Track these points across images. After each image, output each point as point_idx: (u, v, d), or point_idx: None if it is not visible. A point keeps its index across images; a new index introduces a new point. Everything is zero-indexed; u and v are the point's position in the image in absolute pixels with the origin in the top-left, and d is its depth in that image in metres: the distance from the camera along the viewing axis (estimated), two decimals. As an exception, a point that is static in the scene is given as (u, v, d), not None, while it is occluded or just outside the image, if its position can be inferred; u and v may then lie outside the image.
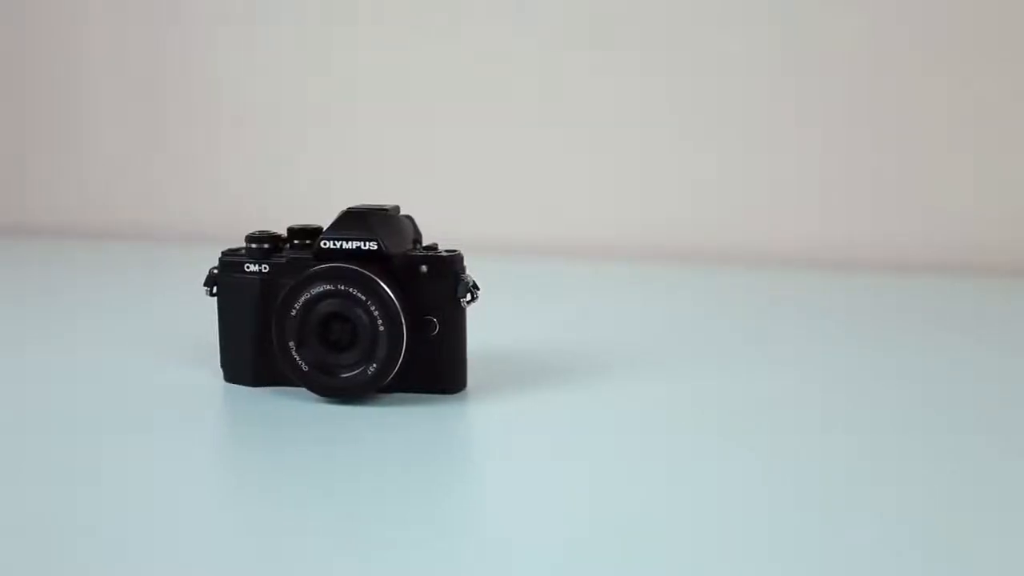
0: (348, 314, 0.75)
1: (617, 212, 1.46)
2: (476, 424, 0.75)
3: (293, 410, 0.76)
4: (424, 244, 0.80)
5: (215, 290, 0.81)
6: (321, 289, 0.75)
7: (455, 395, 0.79)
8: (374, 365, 0.75)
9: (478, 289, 0.77)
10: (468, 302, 0.77)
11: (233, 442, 0.75)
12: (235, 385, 0.82)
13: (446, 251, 0.77)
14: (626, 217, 1.46)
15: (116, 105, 1.69)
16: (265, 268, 0.79)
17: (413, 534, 0.56)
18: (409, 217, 0.80)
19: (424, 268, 0.76)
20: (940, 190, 1.37)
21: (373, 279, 0.74)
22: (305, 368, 0.76)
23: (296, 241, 0.79)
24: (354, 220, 0.76)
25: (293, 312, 0.75)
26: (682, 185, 1.45)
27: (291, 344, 0.76)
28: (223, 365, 0.82)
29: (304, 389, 0.77)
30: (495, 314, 0.86)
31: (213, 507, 0.62)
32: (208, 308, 0.83)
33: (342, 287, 0.74)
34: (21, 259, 1.50)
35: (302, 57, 1.60)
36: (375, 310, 0.74)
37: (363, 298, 0.74)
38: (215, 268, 0.81)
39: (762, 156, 1.42)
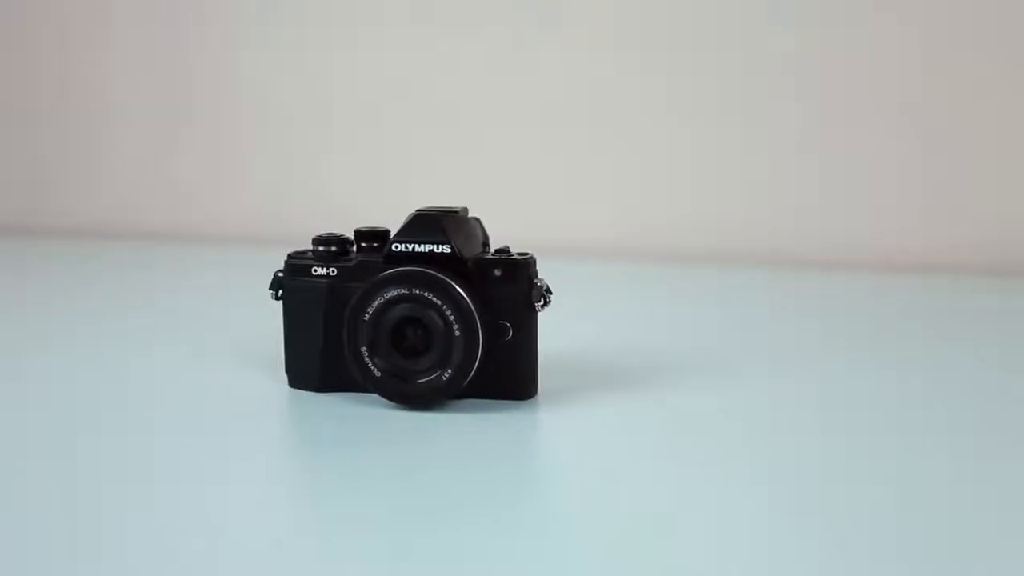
0: (422, 318, 0.71)
1: (664, 213, 1.44)
2: (552, 431, 0.72)
3: (360, 416, 0.73)
4: (497, 247, 0.75)
5: (280, 293, 0.76)
6: (395, 293, 0.71)
7: (526, 402, 0.74)
8: (449, 371, 0.71)
9: (551, 293, 0.74)
10: (542, 307, 0.73)
11: (300, 447, 0.72)
12: (300, 390, 0.77)
13: (519, 254, 0.74)
14: (674, 217, 1.43)
15: (139, 105, 1.64)
16: (333, 271, 0.75)
17: (485, 542, 0.53)
18: (477, 219, 0.76)
19: (498, 272, 0.73)
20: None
21: (449, 283, 0.70)
22: (378, 374, 0.72)
23: (364, 244, 0.76)
24: (427, 222, 0.73)
25: (366, 316, 0.72)
26: (732, 186, 1.42)
27: (363, 349, 0.72)
28: (287, 370, 0.78)
29: (372, 395, 0.74)
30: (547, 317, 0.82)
31: (279, 514, 0.59)
32: (264, 310, 0.81)
33: (417, 291, 0.71)
34: (57, 259, 1.46)
35: (323, 57, 1.56)
36: (450, 314, 0.70)
37: (438, 302, 0.70)
38: (280, 271, 0.77)
39: (812, 155, 1.39)
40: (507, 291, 0.73)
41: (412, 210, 0.75)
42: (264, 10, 1.58)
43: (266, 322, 0.92)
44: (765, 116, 1.40)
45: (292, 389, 0.79)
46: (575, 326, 0.92)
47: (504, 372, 0.74)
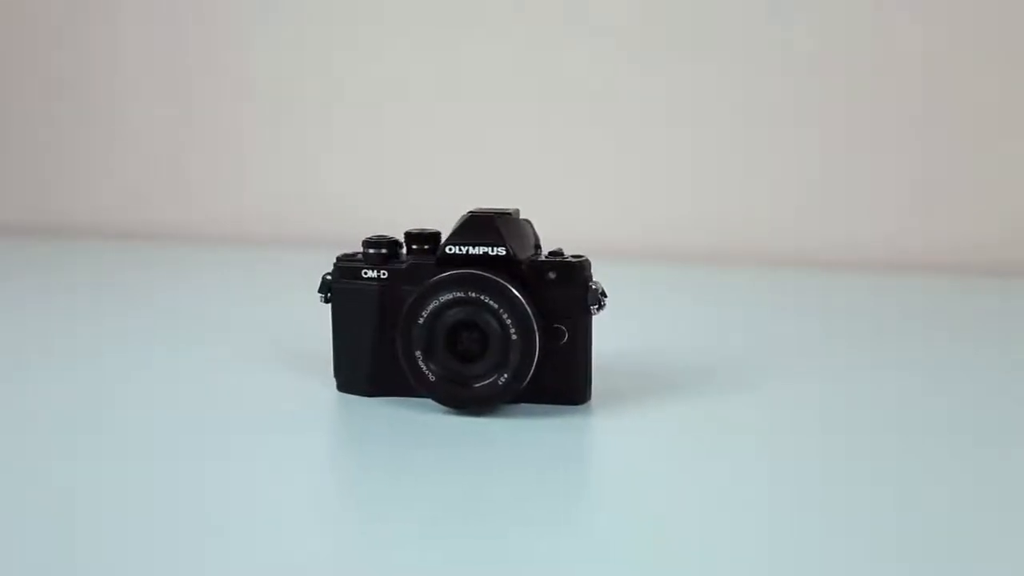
0: (478, 322, 0.69)
1: (668, 212, 1.43)
2: (606, 436, 0.70)
3: (412, 421, 0.71)
4: (550, 249, 0.74)
5: (329, 296, 0.74)
6: (450, 296, 0.69)
7: (580, 406, 0.73)
8: (505, 375, 0.69)
9: (606, 296, 0.72)
10: (598, 310, 0.71)
11: (352, 452, 0.70)
12: (349, 395, 0.75)
13: (573, 257, 0.72)
14: (679, 217, 1.42)
15: (148, 104, 1.62)
16: (384, 274, 0.73)
17: (538, 549, 0.52)
18: (528, 221, 0.75)
19: (552, 274, 0.71)
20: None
21: (505, 286, 0.69)
22: (432, 378, 0.70)
23: (415, 246, 0.73)
24: (480, 224, 0.71)
25: (420, 320, 0.70)
26: (731, 186, 1.41)
27: (417, 353, 0.70)
28: (336, 374, 0.76)
29: (424, 399, 0.72)
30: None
31: (329, 520, 0.57)
32: (299, 312, 0.81)
33: (473, 294, 0.69)
34: (73, 259, 1.44)
35: (330, 58, 1.54)
36: (507, 318, 0.69)
37: (495, 305, 0.69)
38: (328, 274, 0.74)
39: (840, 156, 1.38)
40: (562, 294, 0.71)
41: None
42: (270, 10, 1.56)
43: (305, 324, 0.90)
44: (767, 117, 1.39)
45: (341, 394, 0.76)
46: (610, 328, 0.89)
47: (558, 377, 0.72)
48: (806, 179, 1.40)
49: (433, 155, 1.50)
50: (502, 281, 0.69)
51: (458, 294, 0.70)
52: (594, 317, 0.72)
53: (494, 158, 1.48)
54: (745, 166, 1.41)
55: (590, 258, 0.73)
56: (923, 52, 1.34)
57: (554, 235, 0.79)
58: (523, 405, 0.73)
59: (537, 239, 0.75)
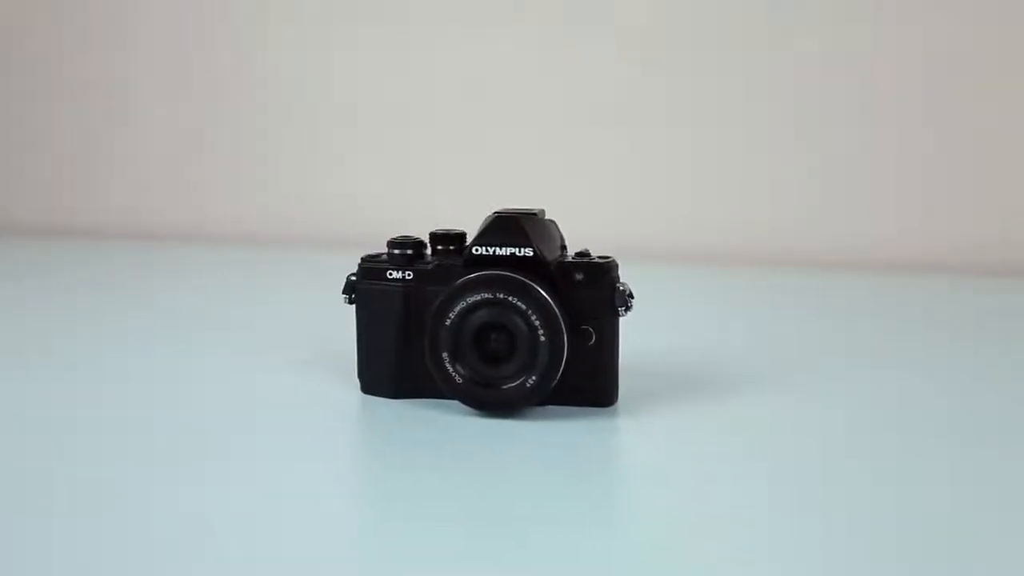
0: (507, 323, 0.69)
1: (678, 213, 1.43)
2: (634, 438, 0.69)
3: (437, 422, 0.70)
4: (576, 250, 0.73)
5: (353, 297, 0.73)
6: (478, 297, 0.69)
7: (607, 409, 0.72)
8: (533, 377, 0.69)
9: (632, 298, 0.71)
10: (625, 311, 0.70)
11: (376, 454, 0.68)
12: (373, 396, 0.74)
13: (600, 257, 0.71)
14: (692, 218, 1.42)
15: (163, 106, 1.60)
16: (409, 275, 0.72)
17: (567, 550, 0.51)
18: (553, 221, 0.74)
19: (580, 276, 0.70)
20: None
21: (534, 287, 0.68)
22: (459, 380, 0.70)
23: (440, 247, 0.72)
24: (507, 225, 0.70)
25: (447, 321, 0.69)
26: (732, 187, 1.41)
27: (444, 355, 0.69)
28: (360, 375, 0.75)
29: (450, 401, 0.72)
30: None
31: (355, 522, 0.57)
32: (325, 314, 0.80)
33: (501, 295, 0.68)
34: (89, 259, 1.43)
35: (344, 58, 1.53)
36: (536, 319, 0.68)
37: (523, 307, 0.68)
38: (353, 275, 0.74)
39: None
40: (589, 295, 0.71)
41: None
42: (283, 10, 1.54)
43: (326, 325, 0.89)
44: (765, 118, 1.38)
45: (365, 395, 0.75)
46: (632, 328, 0.89)
47: (585, 378, 0.71)
48: (826, 180, 1.40)
49: (445, 155, 1.50)
50: (530, 282, 0.68)
51: (486, 295, 0.69)
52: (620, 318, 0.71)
53: (507, 158, 1.47)
54: (744, 167, 1.41)
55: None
56: (924, 53, 1.34)
57: (568, 235, 0.78)
58: (549, 407, 0.72)
59: (563, 239, 0.74)
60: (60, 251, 1.50)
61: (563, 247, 0.74)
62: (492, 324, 0.69)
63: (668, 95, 1.42)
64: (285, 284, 1.24)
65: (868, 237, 1.37)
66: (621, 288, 0.71)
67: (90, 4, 1.64)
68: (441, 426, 0.69)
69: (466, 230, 0.74)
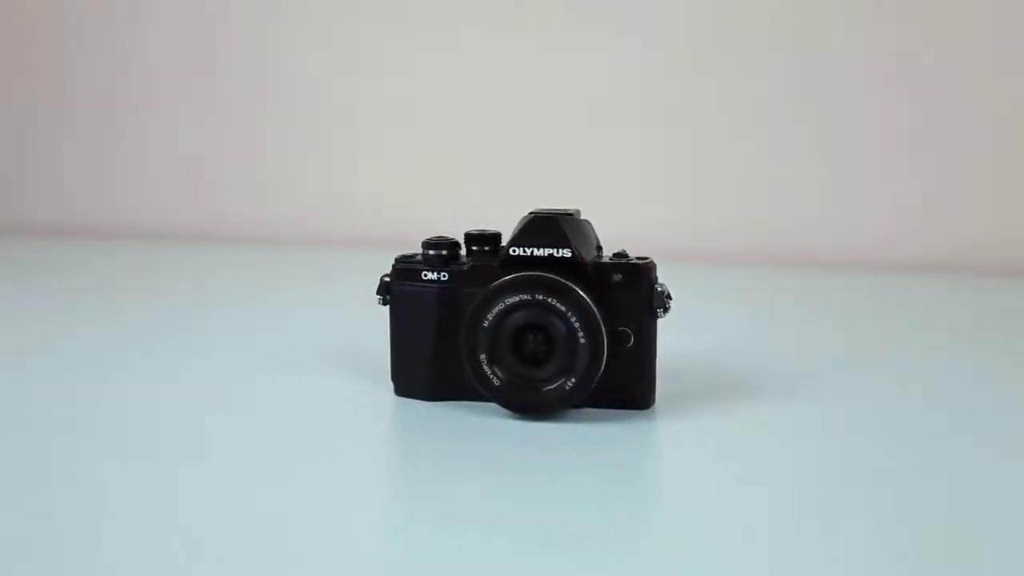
0: (545, 325, 0.67)
1: (757, 216, 1.40)
2: (673, 441, 0.68)
3: (473, 424, 0.69)
4: (614, 251, 0.72)
5: (387, 298, 0.72)
6: (516, 299, 0.67)
7: (644, 411, 0.70)
8: (572, 379, 0.67)
9: (670, 299, 0.69)
10: (664, 313, 0.69)
11: (412, 458, 0.66)
12: (408, 399, 0.73)
13: (638, 258, 0.70)
14: (766, 221, 1.40)
15: (180, 105, 1.59)
16: (444, 276, 0.71)
17: (606, 554, 0.50)
18: (588, 221, 0.72)
19: (618, 276, 0.69)
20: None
21: (573, 288, 0.67)
22: (497, 382, 0.68)
23: (475, 247, 0.71)
24: (545, 226, 0.69)
25: (485, 323, 0.68)
26: (732, 188, 1.40)
27: (482, 357, 0.68)
28: (394, 378, 0.73)
29: (485, 403, 0.71)
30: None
31: (387, 529, 0.55)
32: (353, 315, 0.80)
33: (540, 296, 0.67)
34: (112, 260, 1.42)
35: (359, 58, 1.52)
36: (575, 321, 0.67)
37: (562, 308, 0.67)
38: (387, 276, 0.72)
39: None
40: (627, 296, 0.70)
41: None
42: (297, 10, 1.53)
43: (355, 326, 0.88)
44: (769, 119, 1.38)
45: (399, 397, 0.74)
46: (664, 329, 0.88)
47: (622, 380, 0.70)
48: (812, 181, 1.39)
49: (464, 156, 1.49)
50: (569, 283, 0.67)
51: (524, 297, 0.67)
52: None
53: (531, 158, 1.46)
54: (744, 167, 1.40)
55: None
56: (924, 53, 1.33)
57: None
58: (585, 409, 0.71)
59: (598, 240, 0.73)
60: (81, 251, 1.49)
61: (599, 247, 0.73)
62: (530, 326, 0.68)
63: (689, 94, 1.41)
64: (310, 284, 1.23)
65: (870, 237, 1.35)
66: (659, 289, 0.70)
67: (103, 4, 1.60)
68: (477, 428, 0.68)
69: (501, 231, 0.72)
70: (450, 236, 0.73)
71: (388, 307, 0.73)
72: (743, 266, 1.32)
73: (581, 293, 0.67)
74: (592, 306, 0.67)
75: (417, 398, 0.73)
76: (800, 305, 1.12)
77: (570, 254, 0.69)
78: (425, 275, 0.72)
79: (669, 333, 0.75)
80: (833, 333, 0.97)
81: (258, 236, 1.54)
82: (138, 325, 1.00)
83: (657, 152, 1.42)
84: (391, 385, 0.75)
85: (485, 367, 0.68)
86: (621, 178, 1.43)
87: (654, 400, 0.72)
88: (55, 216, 1.67)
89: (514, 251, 0.69)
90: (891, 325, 1.02)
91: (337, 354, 0.86)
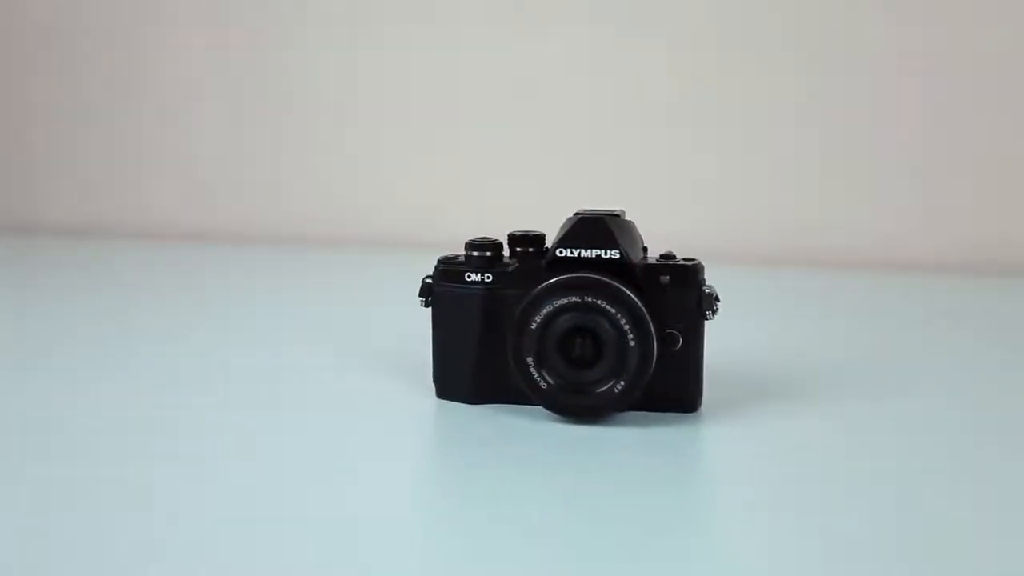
0: (594, 327, 0.65)
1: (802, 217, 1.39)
2: (721, 444, 0.66)
3: (517, 428, 0.67)
4: (660, 252, 0.70)
5: (429, 300, 0.70)
6: (565, 301, 0.66)
7: (691, 414, 0.69)
8: (622, 382, 0.66)
9: (719, 301, 0.68)
10: (712, 315, 0.67)
11: (455, 461, 0.65)
12: (449, 402, 0.71)
13: (685, 260, 0.68)
14: (817, 223, 1.39)
15: (211, 107, 1.57)
16: (488, 278, 0.69)
17: (658, 565, 0.48)
18: (632, 222, 0.71)
19: (665, 278, 0.67)
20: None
21: (623, 290, 0.65)
22: (544, 385, 0.66)
23: (519, 248, 0.69)
24: (593, 227, 0.68)
25: (533, 325, 0.66)
26: (732, 188, 1.38)
27: (529, 359, 0.66)
28: (436, 380, 0.72)
29: (529, 406, 0.69)
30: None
31: (432, 538, 0.53)
32: (390, 316, 0.79)
33: (589, 298, 0.65)
34: (145, 259, 1.40)
35: (378, 58, 1.51)
36: (625, 323, 0.65)
37: (612, 310, 0.65)
38: (429, 277, 0.70)
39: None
40: (675, 298, 0.68)
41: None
42: (341, 8, 1.50)
43: (392, 328, 0.88)
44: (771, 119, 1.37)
45: (441, 400, 0.72)
46: (724, 334, 0.87)
47: (669, 383, 0.68)
48: (809, 179, 1.39)
49: (495, 158, 1.48)
50: (619, 285, 0.65)
51: (573, 299, 0.66)
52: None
53: (565, 159, 1.46)
54: (742, 167, 1.39)
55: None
56: (923, 52, 1.33)
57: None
58: (630, 412, 0.69)
59: (643, 241, 0.71)
60: (101, 251, 1.47)
61: (644, 248, 0.71)
62: (579, 328, 0.66)
63: (720, 97, 1.39)
64: (344, 286, 1.21)
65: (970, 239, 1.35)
66: (707, 291, 0.68)
67: (127, 6, 1.58)
68: (521, 431, 0.67)
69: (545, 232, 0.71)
70: (493, 237, 0.71)
71: (430, 309, 0.71)
72: (743, 265, 1.30)
73: (631, 295, 0.65)
74: (643, 308, 0.65)
75: (459, 401, 0.72)
76: (821, 305, 1.11)
77: (618, 255, 0.67)
78: (469, 276, 0.70)
79: (722, 334, 0.74)
80: (861, 334, 0.96)
81: (283, 236, 1.52)
82: (175, 324, 0.99)
83: (682, 152, 1.40)
84: (432, 388, 0.73)
85: (532, 370, 0.67)
86: (649, 178, 1.41)
87: (701, 403, 0.70)
88: (71, 216, 1.65)
89: (561, 252, 0.68)
90: (920, 326, 1.01)
91: (376, 356, 0.84)
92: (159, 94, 1.61)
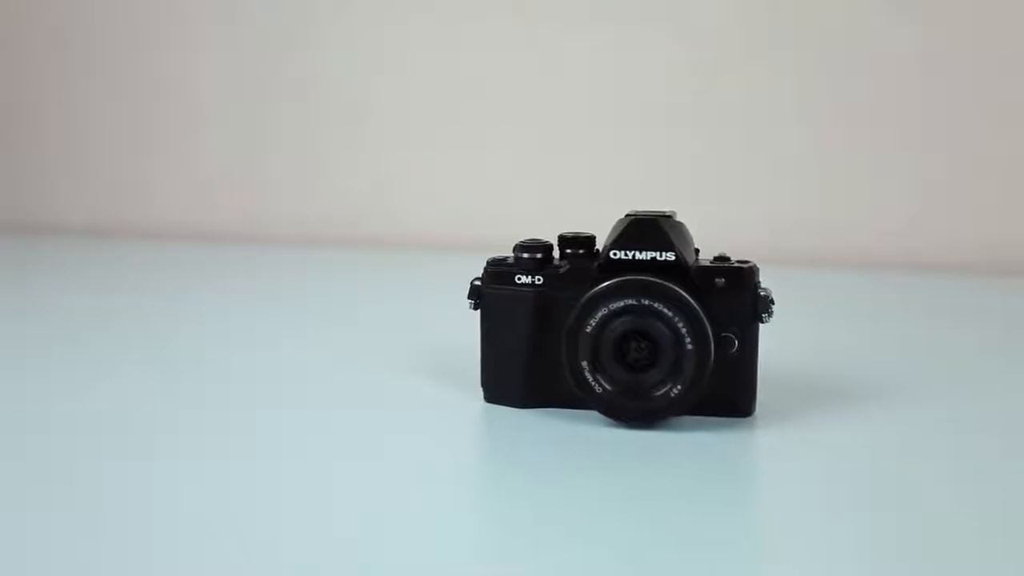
0: (650, 331, 0.64)
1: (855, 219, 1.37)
2: (777, 449, 0.65)
3: (569, 432, 0.66)
4: (715, 254, 0.68)
5: (478, 303, 0.68)
6: (621, 304, 0.64)
7: (745, 419, 0.67)
8: (679, 386, 0.64)
9: (774, 304, 0.66)
10: (767, 318, 0.66)
11: (506, 467, 0.63)
12: (498, 406, 0.69)
13: (739, 262, 0.66)
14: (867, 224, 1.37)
15: (225, 107, 1.54)
16: (539, 280, 0.67)
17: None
18: (683, 223, 0.69)
19: (720, 281, 0.66)
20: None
21: (680, 293, 0.63)
22: (599, 389, 0.65)
23: (569, 250, 0.67)
24: (647, 228, 0.66)
25: (588, 328, 0.64)
26: (733, 188, 1.37)
27: (584, 363, 0.65)
28: (484, 384, 0.70)
29: (579, 411, 0.68)
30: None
31: (477, 545, 0.51)
32: (430, 318, 0.79)
33: (646, 301, 0.63)
34: (172, 260, 1.38)
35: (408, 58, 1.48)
36: (682, 327, 0.63)
37: (669, 314, 0.63)
38: (477, 279, 0.68)
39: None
40: (730, 301, 0.66)
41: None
42: (341, 11, 1.48)
43: (433, 330, 0.88)
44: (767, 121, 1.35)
45: (489, 404, 0.71)
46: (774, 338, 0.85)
47: (725, 387, 0.66)
48: (808, 181, 1.38)
49: (514, 160, 1.46)
50: (677, 288, 0.63)
51: (629, 301, 0.64)
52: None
53: (592, 159, 1.44)
54: (745, 166, 1.37)
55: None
56: (923, 52, 1.32)
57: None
58: (683, 417, 0.68)
59: (695, 242, 0.70)
60: (131, 252, 1.46)
61: (696, 250, 0.69)
62: (635, 331, 0.64)
63: (720, 98, 1.38)
64: (372, 287, 1.19)
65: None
66: (763, 294, 0.66)
67: (144, 5, 1.56)
68: (572, 436, 0.65)
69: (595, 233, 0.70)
70: (543, 239, 0.69)
71: (479, 311, 0.69)
72: (868, 271, 1.29)
73: (689, 298, 0.63)
74: (700, 311, 0.64)
75: (508, 405, 0.70)
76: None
77: (674, 257, 0.65)
78: (519, 279, 0.68)
79: (767, 337, 0.72)
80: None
81: (317, 237, 1.50)
82: (218, 325, 0.98)
83: (709, 152, 1.39)
84: (480, 392, 0.71)
85: (587, 374, 0.65)
86: (677, 178, 1.39)
87: (754, 408, 0.68)
88: (81, 215, 1.62)
89: (615, 254, 0.66)
90: (945, 325, 0.99)
91: (422, 359, 0.83)
92: (166, 94, 1.58)
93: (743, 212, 1.38)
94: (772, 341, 0.80)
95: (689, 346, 0.64)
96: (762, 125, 1.38)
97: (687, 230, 0.70)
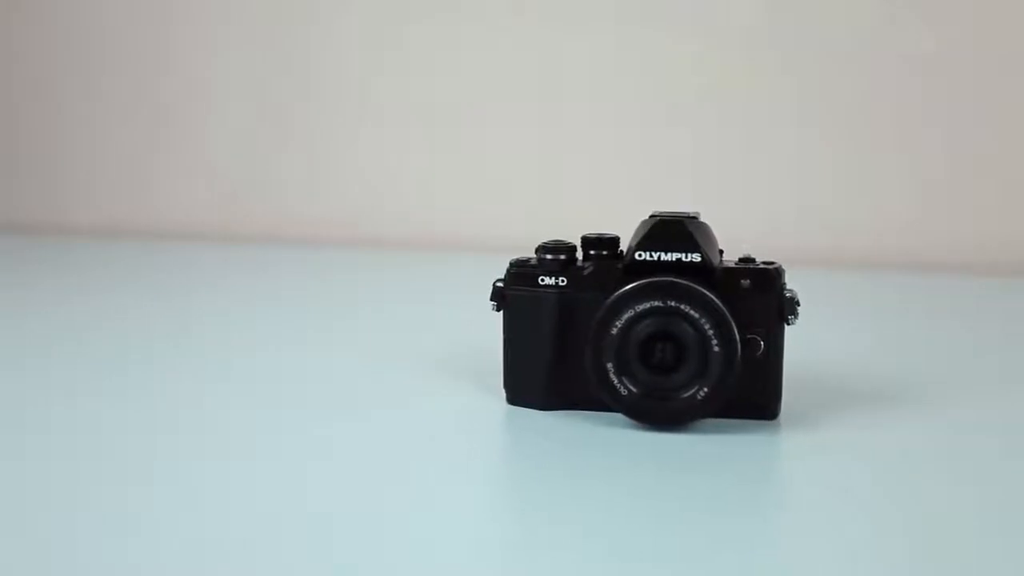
0: (676, 333, 0.63)
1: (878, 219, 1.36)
2: (802, 453, 0.64)
3: (591, 436, 0.65)
4: (739, 255, 0.67)
5: (501, 305, 0.68)
6: (647, 305, 0.63)
7: (770, 422, 0.66)
8: (705, 389, 0.63)
9: (799, 305, 0.65)
10: (793, 320, 0.65)
11: (528, 469, 0.62)
12: (521, 408, 0.69)
13: (764, 263, 0.66)
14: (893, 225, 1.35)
15: (227, 108, 1.53)
16: (563, 281, 0.67)
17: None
18: (707, 224, 0.68)
19: (746, 282, 0.65)
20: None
21: (707, 295, 0.63)
22: (624, 392, 0.64)
23: (592, 251, 0.67)
24: (673, 229, 0.65)
25: (613, 330, 0.63)
26: (733, 188, 1.36)
27: (609, 365, 0.64)
28: (507, 386, 0.69)
29: (602, 413, 0.67)
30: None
31: (498, 547, 0.51)
32: (449, 319, 0.79)
33: (672, 303, 0.63)
34: (186, 261, 1.37)
35: (417, 58, 1.47)
36: (708, 328, 0.62)
37: (696, 316, 0.62)
38: (499, 280, 0.67)
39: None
40: (755, 303, 0.66)
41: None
42: (361, 9, 1.47)
43: (452, 332, 0.87)
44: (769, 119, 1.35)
45: (511, 406, 0.70)
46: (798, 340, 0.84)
47: (750, 389, 0.66)
48: (813, 179, 1.37)
49: (524, 161, 1.44)
50: (703, 290, 0.63)
51: (656, 303, 0.63)
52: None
53: (607, 161, 1.42)
54: (743, 167, 1.37)
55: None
56: (923, 52, 1.31)
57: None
58: (709, 420, 0.67)
59: (719, 243, 0.69)
60: (132, 252, 1.43)
61: (721, 251, 0.68)
62: (661, 333, 0.63)
63: (722, 98, 1.37)
64: (388, 287, 1.18)
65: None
66: (789, 295, 0.65)
67: (152, 6, 1.55)
68: (595, 438, 0.64)
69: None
70: (567, 240, 0.68)
71: (501, 313, 0.68)
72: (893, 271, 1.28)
73: (715, 300, 0.63)
74: (726, 313, 0.63)
75: (531, 407, 0.69)
76: (850, 305, 1.07)
77: (700, 259, 0.65)
78: (542, 280, 0.67)
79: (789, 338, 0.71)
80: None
81: (317, 237, 1.49)
82: (238, 327, 0.96)
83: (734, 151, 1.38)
84: (502, 393, 0.70)
85: (612, 376, 0.64)
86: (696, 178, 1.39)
87: (780, 410, 0.67)
88: (91, 216, 1.60)
89: (640, 255, 0.65)
90: (961, 326, 0.99)
91: (439, 360, 0.82)
92: (169, 94, 1.56)
93: (743, 212, 1.37)
94: (800, 343, 0.80)
95: (716, 348, 0.63)
96: (762, 125, 1.37)
97: (712, 231, 0.69)
